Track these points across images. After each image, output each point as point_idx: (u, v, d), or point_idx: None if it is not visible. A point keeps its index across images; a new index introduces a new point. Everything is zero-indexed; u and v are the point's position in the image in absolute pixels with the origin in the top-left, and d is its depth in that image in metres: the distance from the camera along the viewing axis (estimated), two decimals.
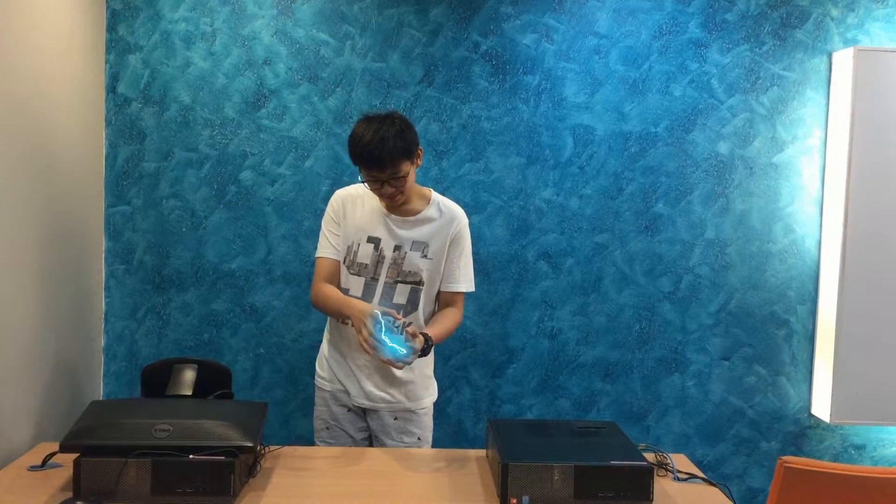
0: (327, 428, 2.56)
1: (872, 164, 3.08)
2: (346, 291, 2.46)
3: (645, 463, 1.98)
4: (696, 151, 3.22)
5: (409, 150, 2.33)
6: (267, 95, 3.14)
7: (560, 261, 3.23)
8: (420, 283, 2.45)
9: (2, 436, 2.24)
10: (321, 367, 2.60)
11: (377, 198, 2.45)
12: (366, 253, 2.44)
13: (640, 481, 1.95)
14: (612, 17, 3.18)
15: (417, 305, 2.46)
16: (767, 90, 3.22)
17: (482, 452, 2.37)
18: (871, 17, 3.19)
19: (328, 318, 2.59)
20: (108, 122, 3.12)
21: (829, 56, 3.21)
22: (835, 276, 3.13)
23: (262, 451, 2.21)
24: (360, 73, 3.15)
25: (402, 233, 2.44)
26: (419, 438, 2.53)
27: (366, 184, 2.38)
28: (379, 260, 2.44)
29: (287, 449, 2.33)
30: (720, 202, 3.24)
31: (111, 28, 3.10)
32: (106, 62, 3.10)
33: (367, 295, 2.43)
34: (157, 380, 2.40)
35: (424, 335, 2.28)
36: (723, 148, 3.23)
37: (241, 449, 1.95)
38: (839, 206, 3.12)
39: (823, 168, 3.23)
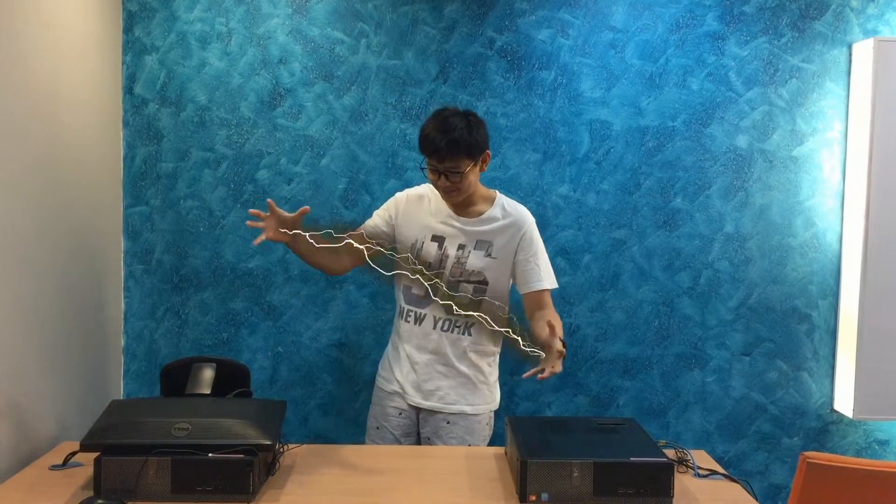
0: (377, 427, 2.58)
1: (894, 156, 3.04)
2: (408, 289, 2.49)
3: (665, 459, 1.97)
4: (715, 145, 3.20)
5: (472, 148, 2.32)
6: (282, 94, 3.15)
7: (577, 257, 3.22)
8: (484, 282, 2.44)
9: (24, 435, 2.26)
10: (382, 367, 2.62)
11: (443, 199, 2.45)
12: (430, 251, 2.46)
13: (661, 478, 1.94)
14: (627, 11, 3.16)
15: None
16: (786, 82, 3.18)
17: (501, 450, 2.36)
18: (892, 8, 3.15)
19: (395, 316, 2.61)
20: (126, 123, 3.14)
21: (849, 47, 3.17)
22: (857, 270, 3.09)
23: (281, 450, 2.21)
24: (375, 70, 3.15)
25: (467, 230, 2.44)
26: (470, 447, 2.49)
27: (426, 171, 2.39)
28: (443, 258, 2.45)
29: (306, 447, 2.33)
30: (739, 196, 3.21)
31: (127, 29, 3.11)
32: (122, 63, 3.12)
33: (429, 294, 2.43)
34: (176, 379, 2.41)
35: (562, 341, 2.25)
36: (741, 141, 3.19)
37: (260, 447, 1.95)
38: (860, 199, 3.08)
39: (844, 161, 3.19)
